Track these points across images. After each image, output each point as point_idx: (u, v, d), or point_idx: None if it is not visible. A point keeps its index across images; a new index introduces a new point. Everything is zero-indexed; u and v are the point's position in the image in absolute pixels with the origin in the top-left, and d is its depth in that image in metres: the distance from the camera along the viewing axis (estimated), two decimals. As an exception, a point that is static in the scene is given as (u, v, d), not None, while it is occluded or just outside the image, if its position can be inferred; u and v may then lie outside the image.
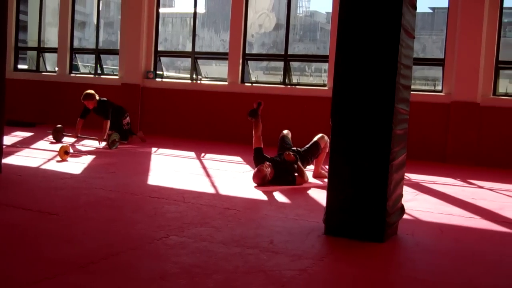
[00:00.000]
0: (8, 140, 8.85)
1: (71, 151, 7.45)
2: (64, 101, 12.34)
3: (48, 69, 13.51)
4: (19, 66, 13.80)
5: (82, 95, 9.07)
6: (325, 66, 11.13)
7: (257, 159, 6.31)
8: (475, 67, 9.23)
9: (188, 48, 12.05)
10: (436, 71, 10.30)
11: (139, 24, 11.67)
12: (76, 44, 13.19)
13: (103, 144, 8.85)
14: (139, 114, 11.68)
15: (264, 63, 12.71)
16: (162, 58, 12.13)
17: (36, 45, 13.62)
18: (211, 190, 5.67)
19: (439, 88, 9.82)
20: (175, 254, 3.39)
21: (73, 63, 12.97)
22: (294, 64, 11.42)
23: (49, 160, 7.10)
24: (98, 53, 12.71)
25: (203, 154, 8.65)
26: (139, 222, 4.18)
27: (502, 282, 3.32)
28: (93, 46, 12.97)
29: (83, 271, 3.01)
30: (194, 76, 11.65)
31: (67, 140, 9.20)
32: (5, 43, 5.87)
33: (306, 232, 4.11)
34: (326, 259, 3.61)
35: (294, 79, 11.15)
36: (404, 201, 4.43)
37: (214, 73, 12.20)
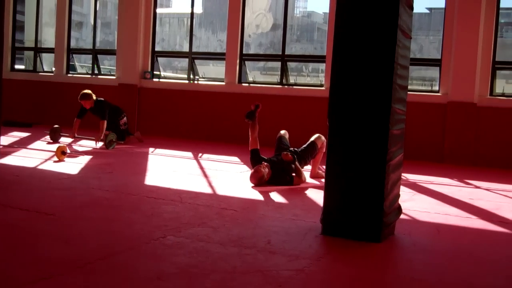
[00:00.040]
0: (5, 140, 8.84)
1: (68, 151, 7.44)
2: (61, 101, 12.32)
3: (45, 69, 13.50)
4: (16, 66, 13.77)
5: (79, 95, 9.06)
6: (322, 66, 11.14)
7: (254, 160, 6.31)
8: (472, 68, 9.25)
9: (185, 48, 12.04)
10: (433, 72, 10.31)
11: (136, 24, 11.66)
12: (73, 44, 13.18)
13: (100, 144, 8.84)
14: (136, 114, 11.66)
15: (261, 63, 12.70)
16: (159, 58, 12.12)
17: (33, 45, 13.60)
18: (208, 190, 5.67)
19: (436, 88, 9.83)
20: (172, 254, 3.39)
21: (70, 63, 12.95)
22: (291, 65, 11.42)
23: (46, 160, 7.09)
24: (95, 53, 12.70)
25: (200, 154, 8.65)
26: (136, 222, 4.18)
27: (499, 282, 3.32)
28: (90, 46, 12.95)
29: (80, 271, 3.01)
30: (191, 76, 11.65)
31: (64, 140, 9.18)
32: (2, 43, 5.87)
33: (303, 232, 4.11)
34: (323, 259, 3.62)
35: (291, 80, 11.15)
36: (401, 201, 4.44)
37: (211, 73, 12.19)
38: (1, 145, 7.55)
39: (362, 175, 3.96)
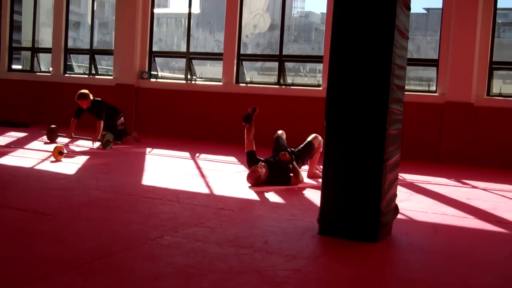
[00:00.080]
0: (2, 140, 8.84)
1: (65, 151, 7.43)
2: (58, 101, 12.31)
3: (42, 69, 13.49)
4: (13, 66, 13.76)
5: (76, 94, 9.05)
6: (319, 66, 11.15)
7: (250, 162, 6.31)
8: (469, 68, 9.26)
9: (183, 49, 12.03)
10: (430, 72, 10.33)
11: (133, 25, 11.65)
12: (70, 44, 13.17)
13: (97, 144, 8.83)
14: (134, 114, 11.66)
15: (259, 64, 12.71)
16: (156, 59, 12.12)
17: (30, 45, 13.58)
18: (205, 190, 5.67)
19: (433, 88, 9.84)
20: (169, 254, 3.39)
21: (67, 63, 12.94)
22: (288, 65, 11.43)
23: (43, 160, 7.08)
24: (92, 53, 12.69)
25: (197, 155, 8.65)
26: (133, 222, 4.18)
27: (496, 282, 3.33)
28: (87, 47, 12.95)
29: (77, 271, 3.01)
30: (189, 76, 11.64)
31: (61, 140, 9.18)
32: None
33: (300, 232, 4.12)
34: (320, 259, 3.62)
35: (289, 80, 11.16)
36: (398, 201, 4.44)
37: (209, 74, 12.19)
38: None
39: (359, 175, 3.96)
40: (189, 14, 11.73)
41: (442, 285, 3.17)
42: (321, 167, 4.31)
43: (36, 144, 8.88)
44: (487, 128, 9.24)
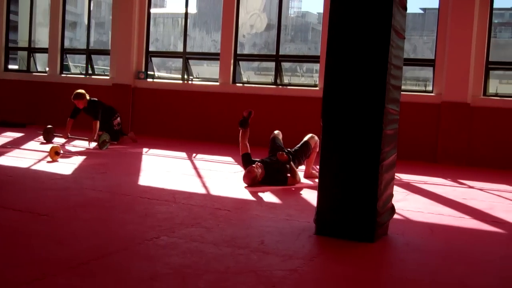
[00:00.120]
0: (-2, 140, 8.82)
1: (62, 151, 7.42)
2: (55, 101, 12.28)
3: (39, 70, 13.46)
4: (10, 67, 13.72)
5: (73, 94, 9.03)
6: (316, 66, 11.15)
7: (246, 164, 6.30)
8: (466, 68, 9.28)
9: (180, 49, 12.02)
10: (427, 72, 10.34)
11: (130, 25, 11.64)
12: (67, 44, 13.14)
13: (93, 144, 8.82)
14: (130, 114, 11.65)
15: (256, 64, 12.71)
16: (153, 59, 12.10)
17: (26, 45, 13.55)
18: (202, 191, 5.67)
19: (430, 88, 9.86)
20: (166, 255, 3.39)
21: (64, 63, 12.91)
22: (285, 65, 11.43)
23: (39, 160, 7.07)
24: (89, 53, 12.67)
25: (194, 155, 8.65)
26: (130, 222, 4.17)
27: (492, 282, 3.34)
28: (84, 47, 12.92)
29: (73, 272, 3.01)
30: (186, 76, 11.64)
31: (58, 140, 9.16)
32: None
33: (296, 232, 4.12)
34: (316, 259, 3.62)
35: (286, 80, 11.16)
36: (394, 201, 4.45)
37: (206, 74, 12.18)
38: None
39: (356, 175, 3.97)
40: (186, 14, 11.73)
41: (439, 285, 3.18)
42: (318, 167, 4.31)
43: (33, 144, 8.86)
44: (484, 128, 9.25)
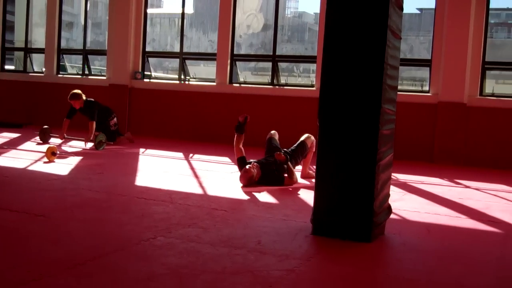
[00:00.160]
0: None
1: (58, 152, 7.41)
2: (51, 102, 12.26)
3: (35, 70, 13.44)
4: (6, 67, 13.71)
5: (69, 94, 9.02)
6: (313, 66, 11.16)
7: (242, 167, 6.29)
8: (462, 68, 9.29)
9: (176, 49, 12.02)
10: (423, 72, 10.35)
11: (127, 25, 11.63)
12: (63, 44, 13.12)
13: (90, 145, 8.81)
14: (127, 115, 11.64)
15: (252, 64, 12.70)
16: (150, 59, 12.10)
17: (23, 45, 13.53)
18: (199, 191, 5.67)
19: (426, 88, 9.87)
20: (162, 255, 3.39)
21: (61, 63, 12.89)
22: (282, 65, 11.44)
23: (36, 161, 7.06)
24: (85, 53, 12.65)
25: (191, 155, 8.64)
26: (127, 223, 4.17)
27: (488, 281, 3.34)
28: (80, 47, 12.91)
29: (70, 272, 3.00)
30: (182, 76, 11.63)
31: (54, 141, 9.15)
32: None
33: (293, 232, 4.12)
34: (313, 259, 3.62)
35: (282, 80, 11.16)
36: (391, 201, 4.45)
37: (202, 74, 12.18)
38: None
39: (352, 175, 3.97)
40: (183, 14, 11.72)
41: (435, 285, 3.19)
42: (314, 167, 4.32)
43: (29, 144, 8.85)
44: (480, 128, 9.27)
